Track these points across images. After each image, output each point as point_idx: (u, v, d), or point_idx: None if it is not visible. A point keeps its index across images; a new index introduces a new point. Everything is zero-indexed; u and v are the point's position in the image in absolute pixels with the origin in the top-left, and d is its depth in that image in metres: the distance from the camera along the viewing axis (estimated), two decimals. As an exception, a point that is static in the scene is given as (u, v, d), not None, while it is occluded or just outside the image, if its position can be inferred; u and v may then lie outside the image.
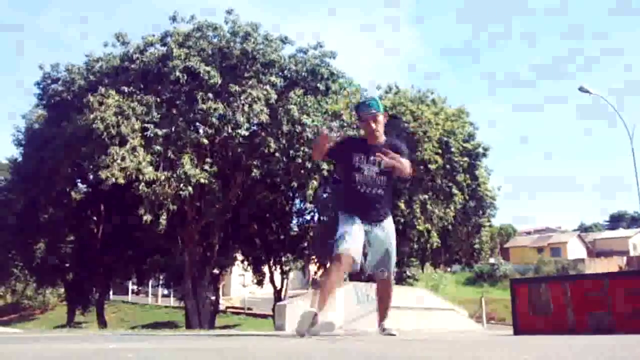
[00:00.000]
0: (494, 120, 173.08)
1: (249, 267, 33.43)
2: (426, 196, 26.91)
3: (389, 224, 5.97)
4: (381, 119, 5.89)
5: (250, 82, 22.51)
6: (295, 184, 23.65)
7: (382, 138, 5.91)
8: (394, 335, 6.00)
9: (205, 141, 22.12)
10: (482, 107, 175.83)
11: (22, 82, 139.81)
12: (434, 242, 26.97)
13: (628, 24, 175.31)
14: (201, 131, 22.84)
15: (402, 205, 25.97)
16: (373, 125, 5.82)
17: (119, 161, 20.41)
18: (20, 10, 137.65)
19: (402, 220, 25.98)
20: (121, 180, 20.42)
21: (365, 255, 5.77)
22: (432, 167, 25.88)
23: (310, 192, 23.00)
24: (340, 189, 6.08)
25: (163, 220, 21.51)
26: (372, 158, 5.74)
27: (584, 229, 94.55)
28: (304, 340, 4.55)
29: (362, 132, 6.14)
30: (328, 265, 5.75)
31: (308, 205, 26.10)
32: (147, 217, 21.18)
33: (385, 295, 6.35)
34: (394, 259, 6.01)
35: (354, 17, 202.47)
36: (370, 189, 5.77)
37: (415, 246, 27.40)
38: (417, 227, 26.21)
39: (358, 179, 5.77)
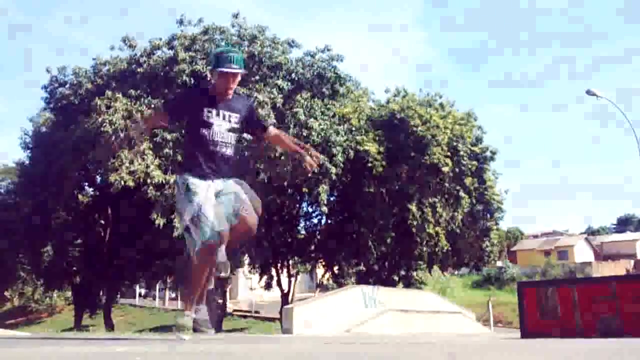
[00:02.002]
0: (502, 123, 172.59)
1: (254, 270, 33.40)
2: (436, 199, 26.93)
3: (235, 183, 5.35)
4: (239, 77, 5.35)
5: (257, 86, 22.53)
6: (306, 189, 23.65)
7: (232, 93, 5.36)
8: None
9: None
10: (490, 110, 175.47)
11: (30, 85, 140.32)
12: (442, 245, 26.97)
13: (636, 26, 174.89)
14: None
15: (414, 208, 25.98)
16: (231, 83, 5.26)
17: (127, 165, 20.44)
18: (28, 14, 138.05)
19: (415, 223, 26.02)
20: (131, 184, 20.46)
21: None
22: (445, 169, 25.85)
23: (323, 196, 22.97)
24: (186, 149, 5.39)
25: (178, 223, 21.44)
26: (222, 112, 5.25)
27: (591, 232, 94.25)
28: (312, 344, 4.54)
29: (210, 81, 5.54)
30: (196, 256, 4.99)
31: (323, 209, 25.92)
32: (160, 221, 21.16)
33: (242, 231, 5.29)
34: (246, 200, 5.26)
35: (361, 20, 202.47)
36: (220, 147, 5.24)
37: (424, 249, 27.39)
38: (427, 230, 26.23)
39: (207, 136, 5.20)
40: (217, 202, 5.07)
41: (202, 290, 5.17)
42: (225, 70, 5.15)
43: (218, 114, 5.23)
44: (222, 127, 5.23)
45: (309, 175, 5.65)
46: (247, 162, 22.15)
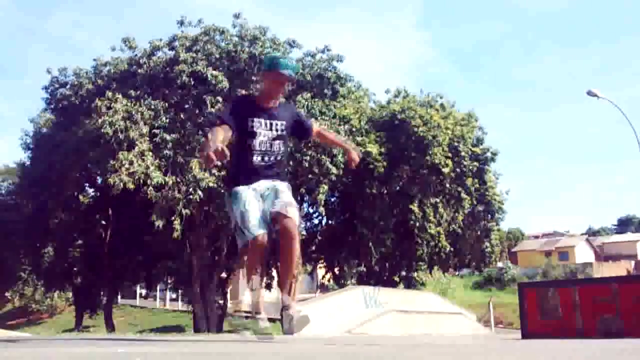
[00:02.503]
0: (503, 124, 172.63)
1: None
2: (437, 199, 26.94)
3: (284, 185, 5.22)
4: (288, 86, 5.39)
5: (257, 87, 22.50)
6: (303, 189, 23.64)
7: (278, 102, 5.28)
8: (302, 323, 5.05)
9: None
10: (491, 110, 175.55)
11: (30, 86, 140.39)
12: (443, 245, 26.98)
13: (637, 28, 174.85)
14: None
15: (416, 209, 25.99)
16: (282, 89, 5.19)
17: (127, 166, 20.43)
18: (29, 14, 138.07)
19: (417, 224, 26.03)
20: (130, 185, 20.46)
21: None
22: (445, 170, 25.87)
23: (321, 196, 22.98)
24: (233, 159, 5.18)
25: (178, 225, 21.41)
26: (267, 121, 5.13)
27: (592, 233, 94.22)
28: (312, 345, 4.54)
29: (257, 87, 5.57)
30: (245, 251, 5.06)
31: (321, 209, 25.89)
32: (160, 223, 21.14)
33: (286, 249, 5.07)
34: (290, 198, 5.08)
35: (362, 20, 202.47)
36: (265, 157, 5.15)
37: (425, 250, 27.39)
38: (429, 230, 26.24)
39: (252, 145, 5.10)
40: (260, 200, 5.06)
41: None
42: (281, 72, 5.05)
43: (263, 124, 5.12)
44: (268, 136, 5.13)
45: (354, 166, 5.37)
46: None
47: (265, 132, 5.11)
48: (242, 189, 5.03)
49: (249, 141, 5.09)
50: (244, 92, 21.30)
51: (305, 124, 5.58)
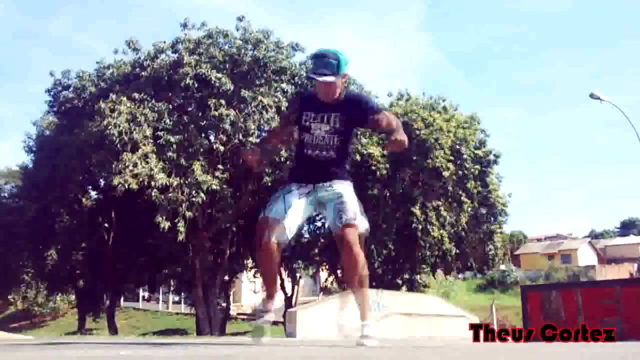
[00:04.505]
0: (506, 127, 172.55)
1: (257, 274, 33.38)
2: (439, 202, 26.93)
3: (338, 183, 5.05)
4: (339, 84, 4.97)
5: (261, 89, 22.55)
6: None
7: (337, 94, 5.01)
8: (370, 345, 4.76)
9: (221, 148, 22.20)
10: (495, 114, 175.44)
11: (33, 89, 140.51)
12: (447, 248, 26.95)
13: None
14: (212, 138, 22.93)
15: (418, 212, 25.98)
16: (328, 89, 4.94)
17: (131, 167, 20.47)
18: (32, 17, 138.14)
19: (420, 227, 26.01)
20: (134, 186, 20.49)
21: (299, 227, 5.04)
22: (445, 174, 25.86)
23: None
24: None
25: (182, 227, 21.41)
26: (321, 115, 4.96)
27: (594, 236, 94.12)
28: (315, 348, 4.54)
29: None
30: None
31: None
32: (165, 225, 21.14)
33: (351, 265, 5.11)
34: (351, 206, 4.99)
35: (365, 22, 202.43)
36: (319, 152, 5.00)
37: (428, 253, 27.37)
38: (432, 233, 26.23)
39: (306, 140, 5.01)
40: (307, 204, 5.04)
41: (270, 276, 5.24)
42: (315, 78, 4.88)
43: (317, 117, 4.97)
44: (322, 129, 4.97)
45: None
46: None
47: (319, 125, 4.99)
48: (287, 188, 5.04)
49: (303, 135, 5.04)
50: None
51: (370, 107, 5.16)
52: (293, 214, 4.92)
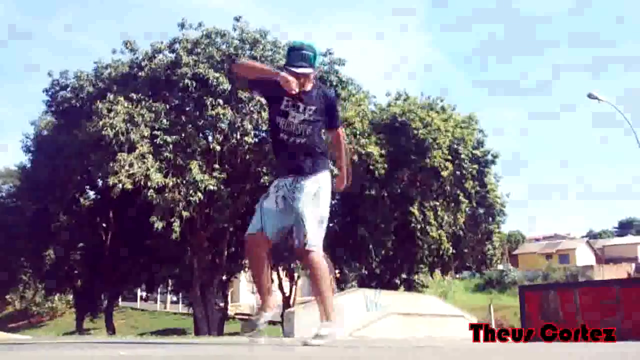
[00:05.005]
0: (505, 127, 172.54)
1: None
2: (437, 202, 26.95)
3: (311, 182, 5.14)
4: (312, 76, 5.12)
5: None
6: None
7: (310, 86, 5.14)
8: (313, 344, 4.67)
9: (217, 147, 22.17)
10: (494, 113, 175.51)
11: (31, 89, 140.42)
12: (445, 248, 26.97)
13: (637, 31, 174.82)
14: (210, 138, 22.92)
15: (416, 212, 25.98)
16: (302, 81, 5.02)
17: (126, 167, 20.45)
18: (30, 17, 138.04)
19: (419, 226, 26.02)
20: (129, 186, 20.48)
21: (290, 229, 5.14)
22: (444, 173, 25.88)
23: None
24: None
25: (177, 227, 21.41)
26: (299, 105, 5.05)
27: (592, 236, 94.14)
28: (313, 348, 4.53)
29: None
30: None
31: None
32: (159, 225, 21.13)
33: (313, 277, 5.07)
34: (309, 222, 4.99)
35: (364, 22, 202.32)
36: (295, 138, 5.09)
37: (426, 252, 27.38)
38: (430, 233, 26.24)
39: (281, 125, 5.11)
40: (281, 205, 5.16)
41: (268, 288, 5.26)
42: (293, 70, 4.94)
43: (295, 106, 5.06)
44: (297, 118, 5.08)
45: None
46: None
47: (294, 114, 5.09)
48: (271, 191, 5.22)
49: (278, 119, 5.14)
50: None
51: (333, 117, 5.43)
52: (270, 220, 5.13)
